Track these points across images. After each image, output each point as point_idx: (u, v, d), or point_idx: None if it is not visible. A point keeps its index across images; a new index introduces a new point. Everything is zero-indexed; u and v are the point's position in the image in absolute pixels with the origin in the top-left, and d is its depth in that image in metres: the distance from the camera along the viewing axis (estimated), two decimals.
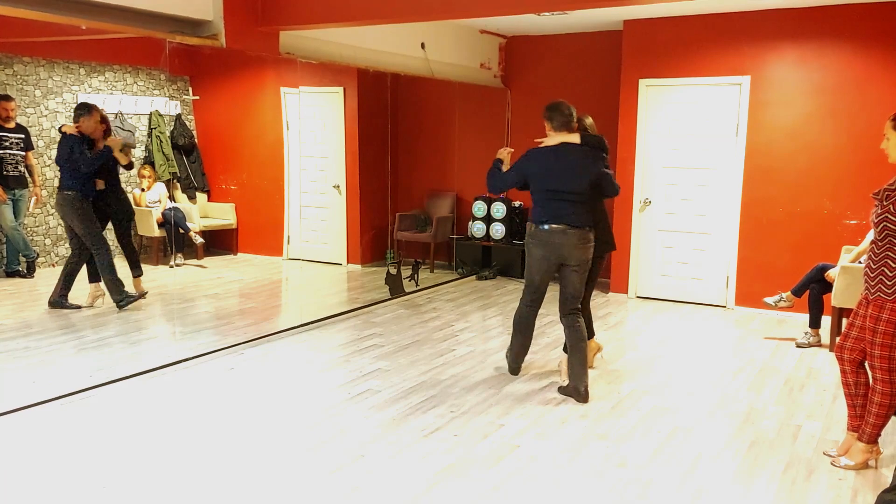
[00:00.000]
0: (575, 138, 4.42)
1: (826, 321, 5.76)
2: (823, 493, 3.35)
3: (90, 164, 5.95)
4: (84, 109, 6.04)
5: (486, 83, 8.34)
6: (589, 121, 4.88)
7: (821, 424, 4.17)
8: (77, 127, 6.02)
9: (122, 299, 6.24)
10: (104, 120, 6.20)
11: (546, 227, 4.40)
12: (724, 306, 7.00)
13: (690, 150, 7.03)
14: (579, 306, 4.58)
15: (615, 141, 7.42)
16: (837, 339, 3.73)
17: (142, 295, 6.52)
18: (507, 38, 8.41)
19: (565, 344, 4.73)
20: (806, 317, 5.89)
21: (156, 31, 5.01)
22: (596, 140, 4.48)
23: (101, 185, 6.21)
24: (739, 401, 4.54)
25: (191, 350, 5.21)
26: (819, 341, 5.75)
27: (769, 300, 5.98)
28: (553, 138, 4.46)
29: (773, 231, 6.72)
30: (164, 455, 3.62)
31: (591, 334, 5.01)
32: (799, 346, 5.73)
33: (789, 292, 5.87)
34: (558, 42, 8.13)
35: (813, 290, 5.78)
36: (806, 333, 5.78)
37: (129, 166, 6.46)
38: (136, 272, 6.59)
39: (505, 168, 4.68)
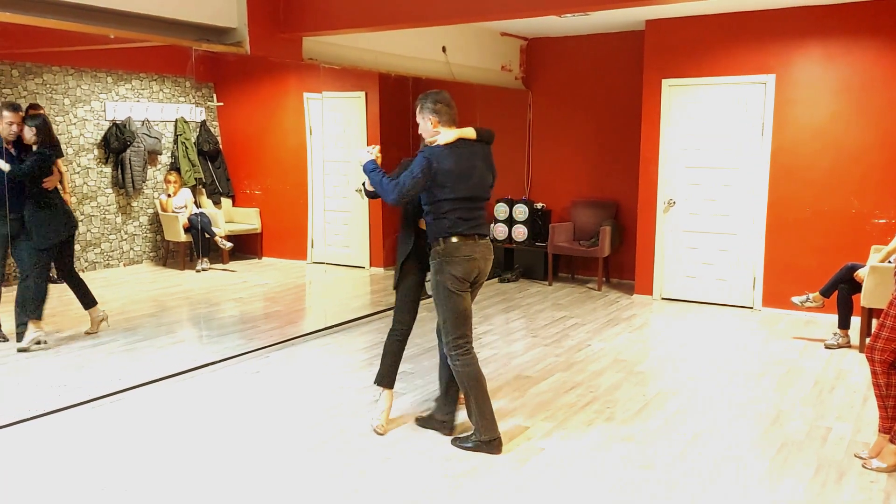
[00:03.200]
0: (470, 133, 3.78)
1: (855, 322, 5.68)
2: (854, 496, 3.30)
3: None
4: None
5: (508, 85, 8.34)
6: None
7: (851, 426, 4.12)
8: None
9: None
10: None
11: (464, 239, 3.74)
12: (751, 307, 6.93)
13: (715, 149, 6.97)
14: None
15: (638, 141, 7.39)
16: (867, 339, 3.68)
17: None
18: (529, 39, 8.41)
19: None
20: (835, 317, 5.82)
21: (182, 40, 5.09)
22: (489, 134, 3.90)
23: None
24: (767, 402, 4.49)
25: (217, 354, 5.27)
26: (848, 342, 5.67)
27: (796, 300, 5.91)
28: (447, 133, 3.72)
29: (800, 231, 6.64)
30: (189, 457, 3.66)
31: None
32: (828, 347, 5.66)
33: (817, 293, 5.80)
34: (580, 43, 8.11)
35: (842, 291, 5.70)
36: (835, 334, 5.71)
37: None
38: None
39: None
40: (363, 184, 3.97)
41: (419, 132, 3.86)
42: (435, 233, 3.73)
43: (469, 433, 3.81)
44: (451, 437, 3.88)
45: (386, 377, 4.04)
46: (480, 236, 3.81)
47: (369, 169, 3.83)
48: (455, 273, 3.70)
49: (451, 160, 3.65)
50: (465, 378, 3.72)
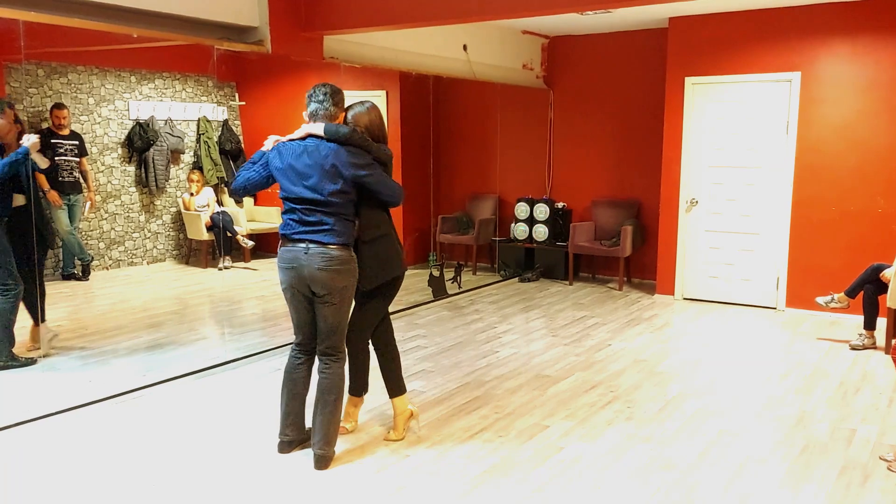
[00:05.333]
0: (317, 129, 3.43)
1: (881, 323, 5.59)
2: (879, 499, 3.25)
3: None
4: None
5: (529, 84, 8.31)
6: (365, 118, 3.61)
7: (876, 428, 4.05)
8: None
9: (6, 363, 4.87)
10: (18, 119, 4.93)
11: (290, 244, 3.46)
12: (775, 308, 6.85)
13: (738, 148, 6.90)
14: (336, 347, 3.57)
15: (660, 140, 7.33)
16: (893, 341, 3.62)
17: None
18: (550, 38, 8.38)
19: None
20: (860, 318, 5.73)
21: (204, 39, 5.13)
22: (339, 132, 3.42)
23: (19, 199, 4.85)
24: (790, 404, 4.44)
25: (239, 351, 5.31)
26: (874, 343, 5.59)
27: (821, 300, 5.85)
28: (300, 129, 3.50)
29: (825, 231, 6.56)
30: (207, 453, 3.69)
31: (396, 390, 3.89)
32: (853, 348, 5.58)
33: (842, 293, 5.72)
34: (602, 41, 8.06)
35: (867, 291, 5.62)
36: (860, 335, 5.63)
37: (49, 169, 5.33)
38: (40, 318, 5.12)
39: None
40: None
41: None
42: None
43: None
44: None
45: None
46: (314, 243, 3.40)
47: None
48: (280, 277, 3.52)
49: (283, 157, 3.45)
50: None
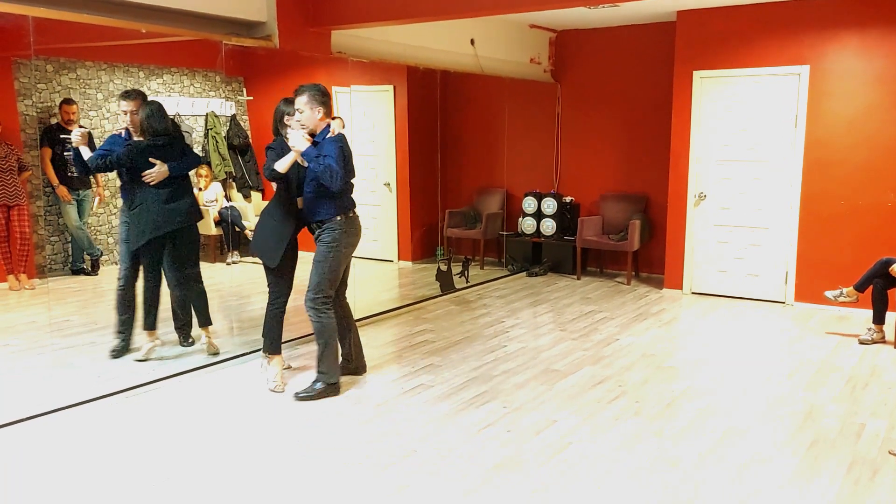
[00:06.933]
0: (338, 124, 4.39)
1: (891, 317, 5.57)
2: (889, 493, 3.25)
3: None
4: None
5: (536, 78, 8.30)
6: None
7: (885, 423, 4.04)
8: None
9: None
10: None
11: (350, 215, 4.39)
12: (783, 302, 6.83)
13: (747, 142, 6.87)
14: None
15: (668, 134, 7.31)
16: None
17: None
18: (558, 32, 8.35)
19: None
20: (869, 313, 5.71)
21: (212, 34, 5.14)
22: None
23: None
24: (798, 399, 4.43)
25: (247, 346, 5.32)
26: (883, 338, 5.57)
27: (829, 294, 5.83)
28: (338, 124, 4.32)
29: (834, 225, 6.53)
30: (217, 447, 3.71)
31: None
32: (862, 342, 5.56)
33: (851, 287, 5.71)
34: (610, 35, 8.04)
35: (877, 286, 5.59)
36: (869, 330, 5.61)
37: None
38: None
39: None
40: (272, 168, 4.27)
41: (296, 119, 4.25)
42: (338, 209, 4.25)
43: (311, 384, 4.36)
44: (294, 394, 4.35)
45: (276, 345, 4.59)
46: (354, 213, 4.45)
47: (314, 155, 4.07)
48: (352, 242, 4.37)
49: (348, 146, 4.21)
50: (329, 329, 4.32)
